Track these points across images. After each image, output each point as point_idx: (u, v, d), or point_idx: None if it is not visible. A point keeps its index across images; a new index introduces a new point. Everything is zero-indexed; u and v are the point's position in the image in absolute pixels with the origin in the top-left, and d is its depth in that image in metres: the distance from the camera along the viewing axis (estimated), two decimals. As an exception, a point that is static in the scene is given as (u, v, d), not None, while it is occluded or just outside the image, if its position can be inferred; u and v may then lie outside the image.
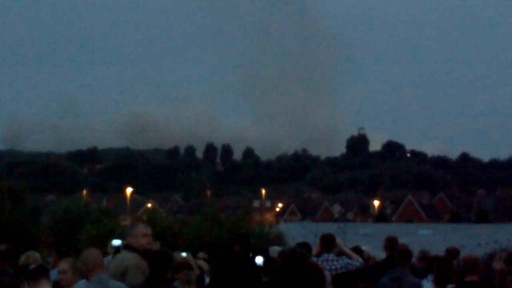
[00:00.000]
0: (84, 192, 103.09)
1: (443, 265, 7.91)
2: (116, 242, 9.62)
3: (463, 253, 10.67)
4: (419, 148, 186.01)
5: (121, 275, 7.23)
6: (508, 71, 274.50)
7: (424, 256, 10.49)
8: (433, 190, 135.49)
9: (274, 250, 10.07)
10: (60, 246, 19.82)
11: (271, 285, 5.88)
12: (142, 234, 7.53)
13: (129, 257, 7.36)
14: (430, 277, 8.48)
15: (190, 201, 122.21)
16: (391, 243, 10.16)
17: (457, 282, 7.81)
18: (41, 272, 6.92)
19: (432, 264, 8.50)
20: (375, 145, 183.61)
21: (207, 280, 10.39)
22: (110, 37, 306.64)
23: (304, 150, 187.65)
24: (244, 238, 10.31)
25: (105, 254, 9.24)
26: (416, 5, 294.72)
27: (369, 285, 7.88)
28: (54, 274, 8.15)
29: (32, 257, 9.33)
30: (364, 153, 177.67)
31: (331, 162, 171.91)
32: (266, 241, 33.62)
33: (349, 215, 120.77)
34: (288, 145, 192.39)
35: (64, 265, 7.44)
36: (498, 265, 9.70)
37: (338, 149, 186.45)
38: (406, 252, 8.83)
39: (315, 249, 9.54)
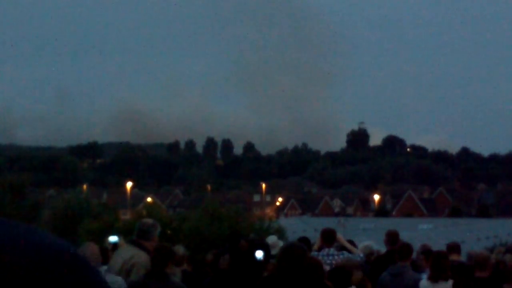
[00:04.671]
0: (85, 186, 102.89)
1: (440, 260, 7.87)
2: (113, 238, 9.60)
3: (464, 248, 10.62)
4: (419, 142, 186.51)
5: (126, 272, 7.21)
6: (509, 65, 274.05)
7: (425, 251, 10.41)
8: (434, 185, 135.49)
9: (272, 239, 10.07)
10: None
11: (270, 279, 5.82)
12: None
13: (138, 255, 7.33)
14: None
15: (190, 196, 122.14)
16: (391, 238, 10.08)
17: (466, 277, 7.82)
18: None
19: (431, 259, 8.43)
20: (375, 140, 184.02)
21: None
22: (109, 32, 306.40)
23: (305, 145, 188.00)
24: (235, 236, 9.37)
25: (104, 249, 9.20)
26: (416, 0, 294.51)
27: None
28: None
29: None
30: (364, 147, 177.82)
31: (332, 156, 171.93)
32: (266, 236, 33.56)
33: (349, 210, 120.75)
34: (289, 140, 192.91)
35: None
36: (508, 257, 9.74)
37: (339, 143, 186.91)
38: (407, 247, 8.75)
39: (316, 244, 9.50)
